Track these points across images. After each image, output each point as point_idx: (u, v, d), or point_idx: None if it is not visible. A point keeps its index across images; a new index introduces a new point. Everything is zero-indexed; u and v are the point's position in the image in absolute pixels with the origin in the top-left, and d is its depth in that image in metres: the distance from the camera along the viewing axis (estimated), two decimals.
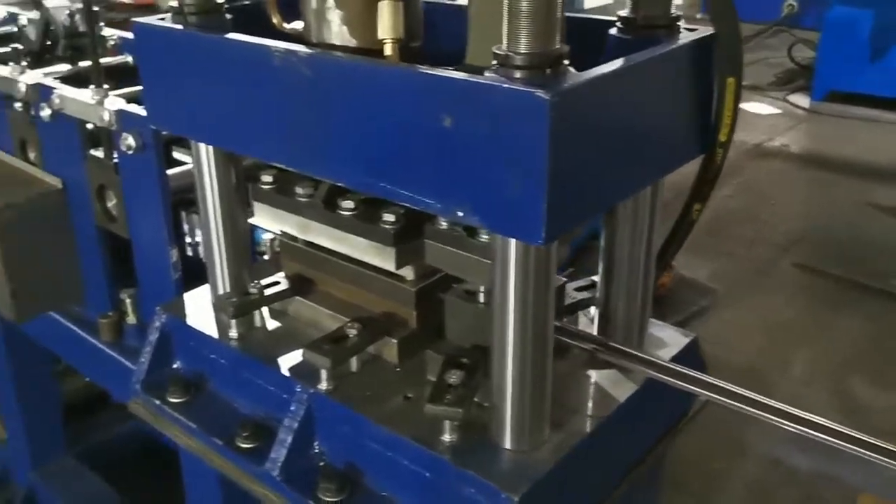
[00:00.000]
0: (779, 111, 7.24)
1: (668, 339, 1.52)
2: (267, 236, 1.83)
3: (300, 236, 1.51)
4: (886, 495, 3.02)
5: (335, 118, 1.18)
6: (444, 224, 1.29)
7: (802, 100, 7.68)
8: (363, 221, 1.38)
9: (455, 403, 1.20)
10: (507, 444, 1.22)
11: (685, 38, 1.22)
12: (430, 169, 1.09)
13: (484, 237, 1.24)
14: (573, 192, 1.03)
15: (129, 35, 2.27)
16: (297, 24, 1.45)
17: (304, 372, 1.39)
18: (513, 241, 1.10)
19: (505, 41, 1.00)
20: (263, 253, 1.83)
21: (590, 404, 1.34)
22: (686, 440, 2.65)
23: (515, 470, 1.18)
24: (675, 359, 1.46)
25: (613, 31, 1.28)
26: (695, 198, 1.40)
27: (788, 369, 3.86)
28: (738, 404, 1.24)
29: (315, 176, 1.31)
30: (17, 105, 1.99)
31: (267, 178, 1.50)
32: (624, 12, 1.26)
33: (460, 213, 1.08)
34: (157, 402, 1.54)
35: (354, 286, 1.49)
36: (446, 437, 1.23)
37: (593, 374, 1.41)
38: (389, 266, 1.37)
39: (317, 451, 1.37)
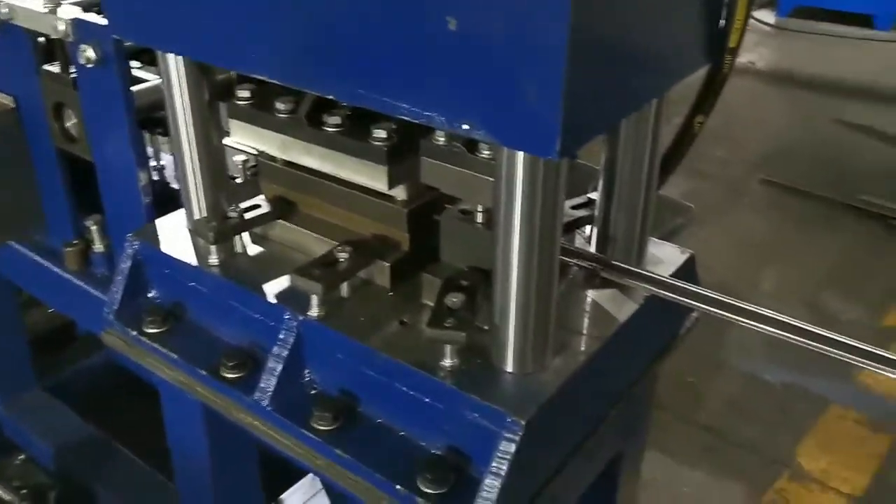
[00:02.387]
0: None
1: (665, 257, 1.48)
2: (238, 158, 1.73)
3: (282, 156, 1.42)
4: (854, 406, 3.13)
5: (323, 22, 1.08)
6: (441, 139, 1.21)
7: (768, 16, 7.62)
8: (352, 138, 1.29)
9: (457, 327, 1.15)
10: (510, 368, 1.18)
11: None
12: (433, 78, 1.00)
13: (486, 153, 1.17)
14: (590, 101, 0.96)
15: None
16: None
17: (292, 298, 1.32)
18: (520, 157, 1.03)
19: None
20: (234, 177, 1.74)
21: (591, 325, 1.31)
22: None
23: (521, 393, 1.15)
24: (673, 276, 1.43)
25: None
26: (698, 109, 1.34)
27: (761, 285, 3.92)
28: (744, 319, 1.21)
29: (301, 89, 1.21)
30: None
31: (244, 92, 1.40)
32: None
33: (466, 127, 1.00)
34: (134, 332, 1.47)
35: (341, 208, 1.42)
36: (446, 362, 1.18)
37: (592, 294, 1.37)
38: (381, 186, 1.29)
39: (308, 379, 1.32)
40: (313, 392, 1.31)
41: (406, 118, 1.06)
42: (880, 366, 1.15)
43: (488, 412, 1.11)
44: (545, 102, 0.91)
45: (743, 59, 6.53)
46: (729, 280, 3.89)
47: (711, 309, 1.24)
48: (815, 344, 1.17)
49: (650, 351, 1.47)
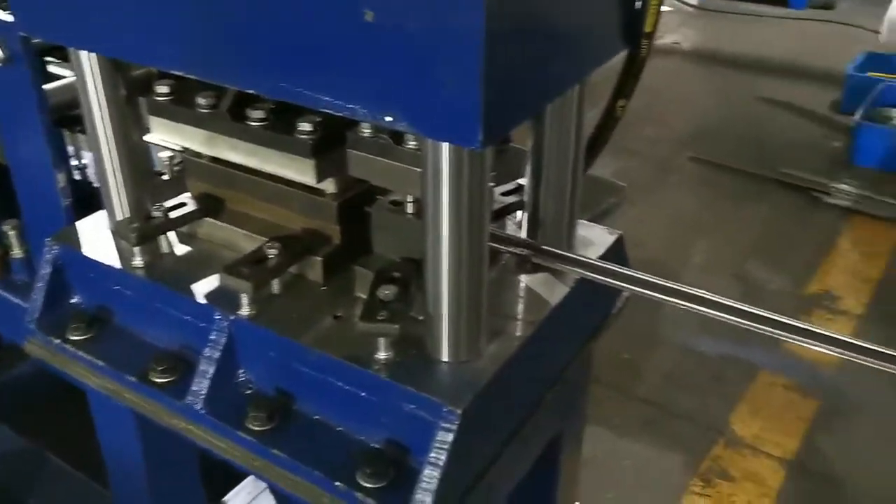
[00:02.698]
0: (669, 8, 7.30)
1: (595, 239, 1.51)
2: (165, 154, 1.69)
3: (206, 152, 1.39)
4: (783, 372, 3.25)
5: (241, 16, 1.05)
6: (367, 131, 1.20)
7: None
8: (277, 132, 1.27)
9: (390, 319, 1.15)
10: (445, 357, 1.19)
11: None
12: (353, 71, 0.99)
13: (412, 143, 1.16)
14: (509, 89, 0.96)
15: None
16: None
17: (222, 298, 1.30)
18: (445, 147, 1.03)
19: None
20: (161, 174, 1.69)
21: (524, 310, 1.32)
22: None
23: (456, 382, 1.15)
24: (602, 258, 1.45)
25: None
26: (620, 93, 1.36)
27: (691, 259, 4.03)
28: (672, 298, 1.24)
29: (221, 84, 1.19)
30: None
31: (163, 88, 1.35)
32: None
33: (389, 119, 0.99)
34: (57, 340, 1.42)
35: (270, 203, 1.39)
36: (381, 355, 1.18)
37: (524, 279, 1.38)
38: (309, 180, 1.28)
39: (242, 379, 1.30)
40: (248, 392, 1.29)
41: (329, 111, 1.05)
42: (803, 339, 1.19)
43: (425, 403, 1.12)
44: (465, 93, 0.91)
45: (668, 39, 6.67)
46: (662, 255, 3.99)
47: (639, 289, 1.26)
48: (739, 320, 1.20)
49: (584, 331, 1.50)
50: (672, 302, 1.24)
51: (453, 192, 1.06)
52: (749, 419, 3.04)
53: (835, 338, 1.17)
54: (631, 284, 1.28)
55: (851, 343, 1.16)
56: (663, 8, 1.26)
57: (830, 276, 3.89)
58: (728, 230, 4.25)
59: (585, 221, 1.53)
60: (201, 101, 1.33)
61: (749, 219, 4.35)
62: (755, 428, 3.00)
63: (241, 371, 1.30)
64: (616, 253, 1.51)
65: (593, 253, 1.46)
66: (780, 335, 1.20)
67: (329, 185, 1.32)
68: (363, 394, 1.18)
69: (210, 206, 1.45)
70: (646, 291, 1.27)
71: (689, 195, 4.58)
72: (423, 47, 0.92)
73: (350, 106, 1.02)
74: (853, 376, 3.19)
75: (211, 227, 1.44)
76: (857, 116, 4.81)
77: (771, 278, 3.87)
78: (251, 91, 1.15)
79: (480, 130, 0.93)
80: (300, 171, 1.27)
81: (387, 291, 1.18)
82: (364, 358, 1.18)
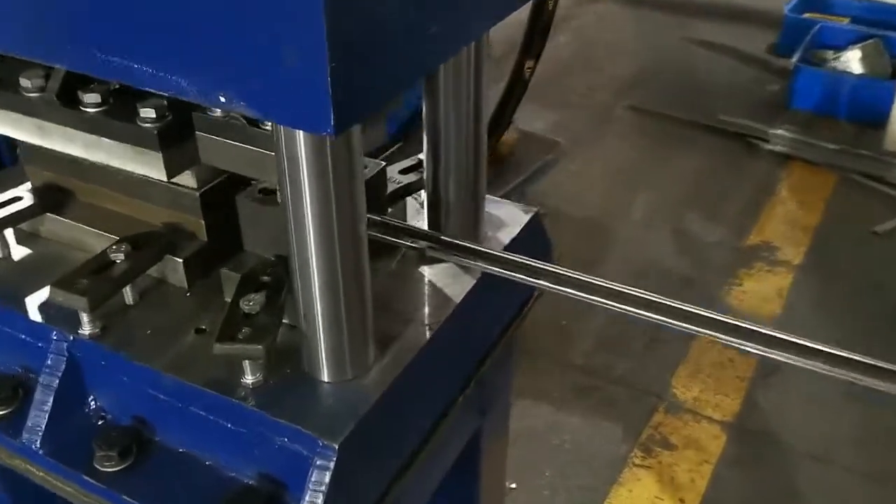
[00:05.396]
0: None
1: (508, 218, 1.34)
2: None
3: (41, 144, 1.16)
4: None
5: None
6: (217, 111, 0.99)
7: None
8: (116, 119, 1.05)
9: (253, 338, 0.96)
10: (324, 377, 1.01)
11: None
12: (176, 38, 0.78)
13: (269, 125, 0.96)
14: (370, 58, 0.76)
15: None
16: None
17: (61, 313, 1.09)
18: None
19: None
20: None
21: (424, 309, 1.14)
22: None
23: (335, 408, 0.98)
24: (516, 240, 1.29)
25: None
26: (526, 54, 1.18)
27: (631, 214, 3.89)
28: (585, 294, 1.08)
29: (35, 60, 0.96)
30: None
31: None
32: None
33: (222, 99, 0.79)
34: None
35: (123, 194, 1.18)
36: (248, 379, 0.99)
37: (426, 272, 1.21)
38: (159, 175, 1.07)
39: (93, 409, 1.10)
40: (101, 423, 1.09)
41: (153, 89, 0.83)
42: (717, 333, 1.06)
43: (297, 436, 0.94)
44: (308, 68, 0.71)
45: None
46: (600, 211, 3.85)
47: (547, 284, 1.09)
48: (650, 314, 1.06)
49: (498, 324, 1.33)
50: (586, 298, 1.08)
51: (315, 181, 0.87)
52: (689, 382, 2.95)
53: (751, 330, 1.05)
54: (541, 279, 1.11)
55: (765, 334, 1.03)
56: None
57: (769, 226, 3.81)
58: (666, 182, 4.13)
59: (497, 199, 1.36)
60: (25, 82, 1.10)
61: (687, 169, 4.24)
62: (695, 391, 2.91)
63: (91, 399, 1.10)
64: (533, 232, 1.34)
65: (507, 235, 1.29)
66: (694, 330, 1.06)
67: (188, 174, 1.11)
68: (229, 425, 0.99)
69: (53, 199, 1.23)
70: (557, 287, 1.10)
71: (627, 146, 4.44)
72: (254, 10, 0.72)
73: (175, 81, 0.81)
74: (789, 331, 3.12)
75: (55, 225, 1.22)
76: (795, 59, 4.71)
77: (710, 231, 3.78)
78: (67, 68, 0.93)
79: (332, 113, 0.73)
80: (148, 164, 1.07)
81: (250, 303, 0.99)
82: (228, 382, 0.99)
